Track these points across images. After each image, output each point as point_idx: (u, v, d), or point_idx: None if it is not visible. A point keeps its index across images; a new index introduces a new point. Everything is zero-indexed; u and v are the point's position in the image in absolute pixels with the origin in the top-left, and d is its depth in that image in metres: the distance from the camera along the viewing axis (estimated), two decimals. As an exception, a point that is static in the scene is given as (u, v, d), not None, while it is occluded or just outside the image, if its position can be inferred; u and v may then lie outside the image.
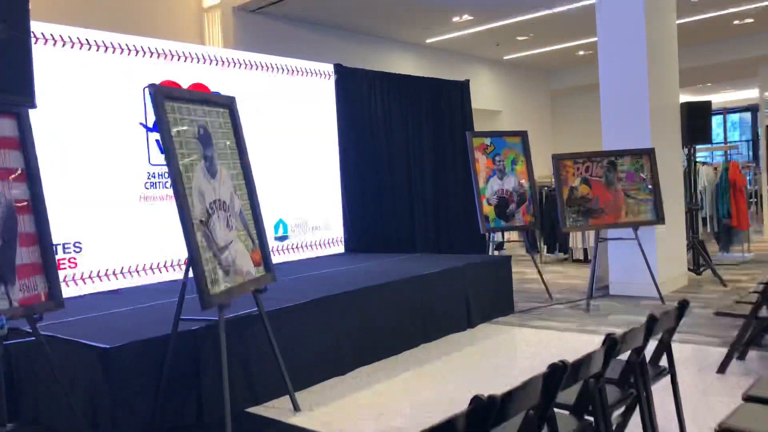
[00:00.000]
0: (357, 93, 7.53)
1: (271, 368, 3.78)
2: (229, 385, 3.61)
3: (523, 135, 6.81)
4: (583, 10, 8.52)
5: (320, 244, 7.08)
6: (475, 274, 5.50)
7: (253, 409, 3.70)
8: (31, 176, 3.19)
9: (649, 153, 6.06)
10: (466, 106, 8.99)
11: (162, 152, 5.71)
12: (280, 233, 6.66)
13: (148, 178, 5.58)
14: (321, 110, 7.13)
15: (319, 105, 7.12)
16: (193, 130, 3.16)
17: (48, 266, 3.19)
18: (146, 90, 5.54)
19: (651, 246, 6.17)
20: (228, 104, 3.52)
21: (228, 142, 3.46)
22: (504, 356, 4.54)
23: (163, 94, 2.92)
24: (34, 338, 3.12)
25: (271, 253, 6.60)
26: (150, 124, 5.61)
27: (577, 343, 4.77)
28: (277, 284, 4.85)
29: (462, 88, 8.96)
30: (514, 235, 10.22)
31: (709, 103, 7.21)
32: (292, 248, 6.78)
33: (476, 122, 9.57)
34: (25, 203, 3.16)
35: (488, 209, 6.50)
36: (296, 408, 3.64)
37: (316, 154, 7.04)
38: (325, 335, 4.20)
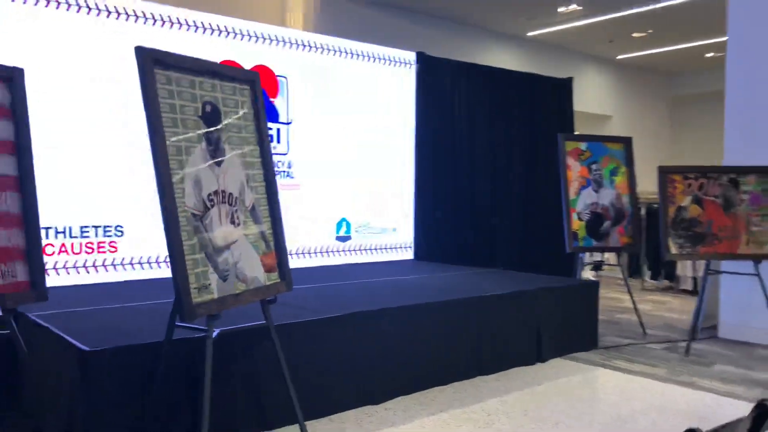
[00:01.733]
0: (440, 85, 6.87)
1: (287, 390, 3.24)
2: (232, 407, 3.12)
3: (626, 142, 5.88)
4: (712, 1, 7.38)
5: (387, 249, 6.49)
6: (551, 300, 4.70)
7: (257, 437, 3.17)
8: (21, 149, 2.82)
9: (783, 172, 5.00)
10: (566, 108, 8.07)
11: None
12: (342, 233, 6.14)
13: (202, 164, 5.21)
14: (398, 102, 6.53)
15: (397, 96, 6.52)
16: (195, 107, 2.66)
17: (31, 252, 2.81)
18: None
19: (776, 284, 5.09)
20: (250, 79, 2.99)
21: (246, 125, 2.94)
22: (573, 403, 3.75)
23: (153, 60, 2.43)
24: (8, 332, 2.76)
25: (331, 254, 6.18)
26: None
27: (666, 395, 3.88)
28: (315, 291, 4.35)
29: (563, 87, 8.05)
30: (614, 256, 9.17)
31: None
32: (354, 250, 6.24)
33: (581, 127, 8.65)
34: (11, 179, 2.79)
35: (578, 225, 5.64)
36: (307, 443, 3.08)
37: (389, 150, 6.45)
38: (357, 356, 3.60)
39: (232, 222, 2.76)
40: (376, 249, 6.40)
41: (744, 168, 5.08)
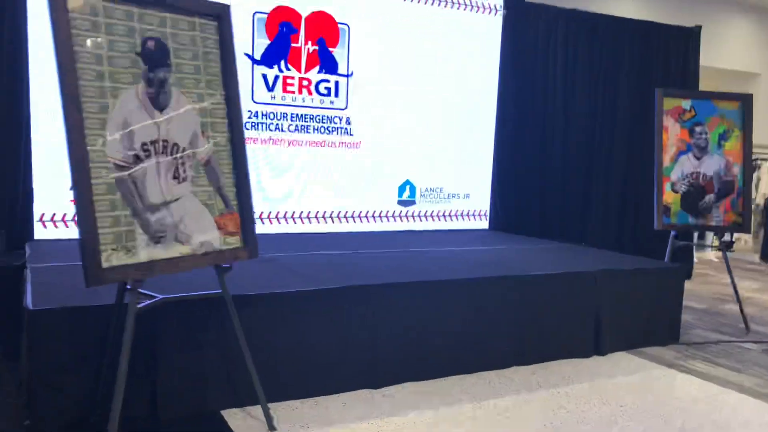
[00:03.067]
0: (532, 36, 6.11)
1: (271, 366, 2.93)
2: (202, 380, 2.87)
3: (745, 99, 4.84)
4: None
5: (457, 216, 5.95)
6: (618, 285, 3.97)
7: (226, 412, 2.89)
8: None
9: None
10: (690, 63, 6.94)
11: (268, 88, 5.10)
12: (406, 196, 5.68)
13: (250, 118, 4.98)
14: (480, 55, 5.86)
15: (479, 48, 5.86)
16: (130, 43, 2.33)
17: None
18: (254, 16, 4.92)
19: None
20: (215, 14, 2.61)
21: (207, 66, 2.58)
22: (610, 411, 3.09)
23: (68, -13, 2.12)
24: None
25: (392, 218, 5.76)
26: (258, 56, 4.99)
27: (745, 413, 3.11)
28: (338, 259, 3.95)
29: (689, 38, 6.91)
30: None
31: None
32: (420, 216, 5.76)
33: (718, 88, 7.41)
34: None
35: (672, 197, 4.76)
36: (270, 426, 2.75)
37: (464, 108, 5.84)
38: (358, 335, 3.19)
39: (176, 177, 2.43)
40: (444, 216, 5.88)
41: None
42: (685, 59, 6.90)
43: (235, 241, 2.63)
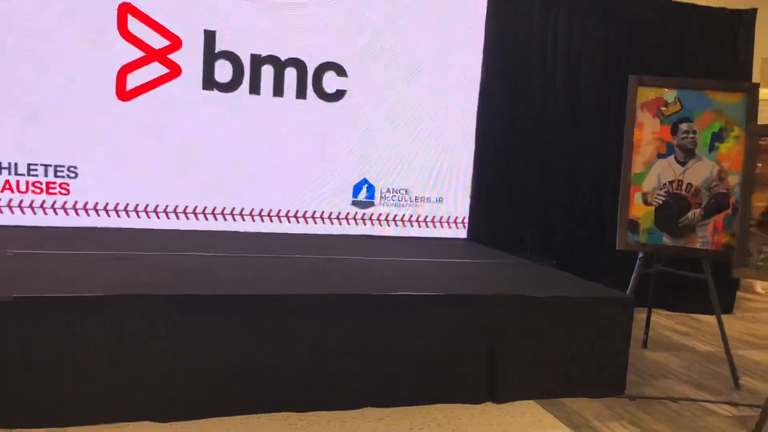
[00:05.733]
0: (525, 13, 5.26)
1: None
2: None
3: (751, 90, 3.79)
4: None
5: (427, 222, 5.26)
6: (528, 315, 3.17)
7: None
8: None
9: None
10: (741, 53, 5.75)
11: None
12: (362, 197, 5.08)
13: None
14: (458, 34, 5.11)
15: (456, 25, 5.10)
16: None
17: None
18: None
19: None
20: None
21: None
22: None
23: None
24: None
25: (347, 222, 5.17)
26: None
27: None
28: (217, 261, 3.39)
29: (740, 22, 5.74)
30: None
31: None
32: (381, 220, 5.14)
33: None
34: None
35: (642, 211, 3.82)
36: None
37: (439, 97, 5.13)
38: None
39: None
40: (412, 221, 5.21)
41: None
42: (733, 50, 5.73)
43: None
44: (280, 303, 2.84)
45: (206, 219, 4.67)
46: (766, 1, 7.12)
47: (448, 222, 5.30)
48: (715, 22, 5.65)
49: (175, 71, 4.51)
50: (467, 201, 5.29)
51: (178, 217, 4.58)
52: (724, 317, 5.41)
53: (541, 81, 5.30)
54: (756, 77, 6.04)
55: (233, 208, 4.72)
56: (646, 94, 3.84)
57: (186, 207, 4.60)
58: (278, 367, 2.83)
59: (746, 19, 5.71)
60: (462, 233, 5.33)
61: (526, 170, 5.33)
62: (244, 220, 4.75)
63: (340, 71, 4.89)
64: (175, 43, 4.49)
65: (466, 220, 5.32)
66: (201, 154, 4.62)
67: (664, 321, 5.17)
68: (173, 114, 4.53)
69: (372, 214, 5.11)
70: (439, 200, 5.25)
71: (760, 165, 3.23)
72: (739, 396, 3.53)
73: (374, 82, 4.97)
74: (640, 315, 4.33)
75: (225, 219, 4.70)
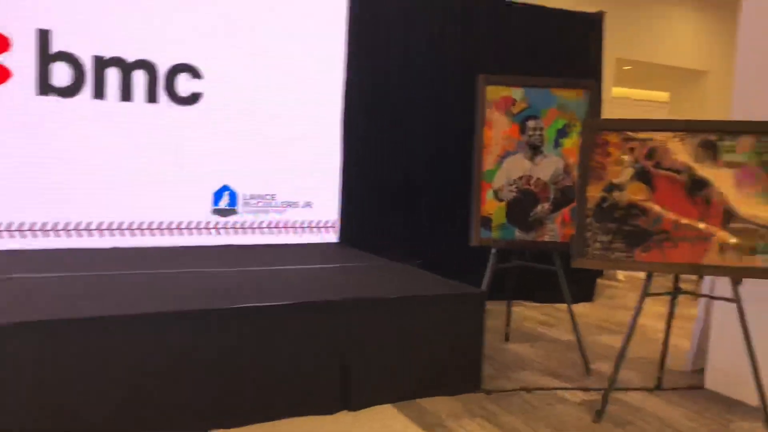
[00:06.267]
0: (383, 18, 5.26)
1: None
2: None
3: (591, 88, 3.95)
4: None
5: (296, 228, 5.13)
6: (378, 318, 3.12)
7: None
8: None
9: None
10: (591, 56, 6.04)
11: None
12: (224, 204, 4.87)
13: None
14: (319, 32, 5.03)
15: (316, 24, 5.03)
16: None
17: None
18: None
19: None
20: None
21: None
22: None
23: None
24: None
25: (207, 231, 4.96)
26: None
27: None
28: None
29: (589, 26, 6.02)
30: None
31: None
32: (246, 228, 4.95)
33: (661, 85, 6.49)
34: None
35: (494, 207, 3.89)
36: None
37: (303, 98, 5.01)
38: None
39: None
40: (280, 228, 5.06)
41: (734, 124, 3.05)
42: (586, 51, 6.01)
43: None
44: (96, 325, 2.61)
45: (46, 236, 4.30)
46: (618, 4, 7.57)
47: (318, 226, 5.19)
48: (571, 25, 5.90)
49: (3, 75, 4.12)
50: (337, 204, 5.21)
51: (12, 236, 4.18)
52: (586, 305, 5.71)
53: (404, 80, 5.32)
54: (609, 76, 6.35)
55: (78, 223, 4.37)
56: (495, 92, 3.91)
57: (22, 224, 4.20)
58: (101, 394, 2.60)
59: (596, 22, 6.01)
60: (333, 237, 5.24)
61: (393, 172, 5.32)
62: (91, 235, 4.42)
63: (195, 73, 4.67)
64: (2, 43, 4.10)
65: (337, 224, 5.23)
66: (38, 164, 4.24)
67: (529, 313, 5.31)
68: (3, 122, 4.13)
69: (235, 222, 4.91)
70: (308, 204, 5.14)
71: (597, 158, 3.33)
72: (590, 381, 3.65)
73: (232, 83, 4.78)
74: (504, 309, 4.42)
75: (69, 235, 4.34)
